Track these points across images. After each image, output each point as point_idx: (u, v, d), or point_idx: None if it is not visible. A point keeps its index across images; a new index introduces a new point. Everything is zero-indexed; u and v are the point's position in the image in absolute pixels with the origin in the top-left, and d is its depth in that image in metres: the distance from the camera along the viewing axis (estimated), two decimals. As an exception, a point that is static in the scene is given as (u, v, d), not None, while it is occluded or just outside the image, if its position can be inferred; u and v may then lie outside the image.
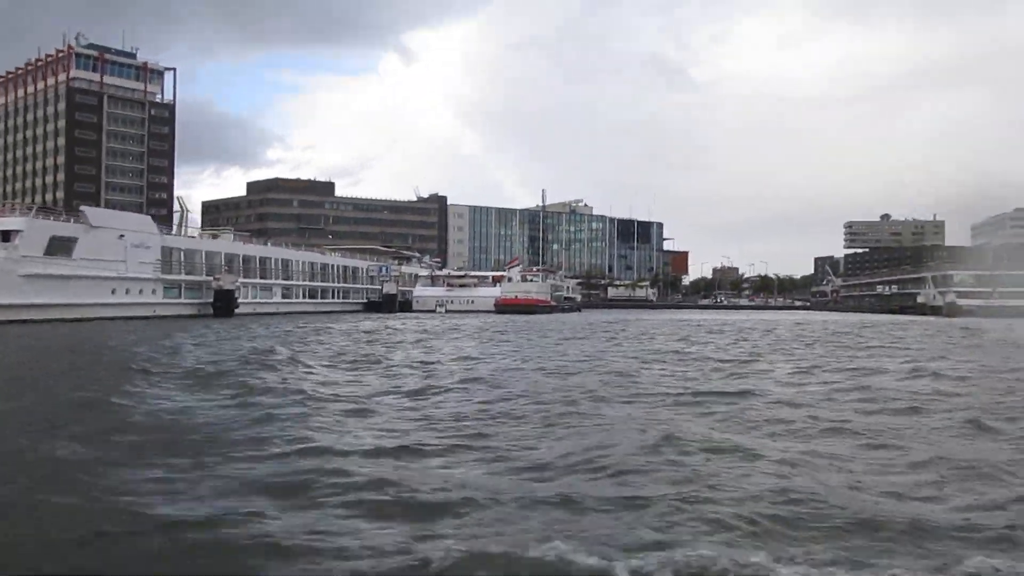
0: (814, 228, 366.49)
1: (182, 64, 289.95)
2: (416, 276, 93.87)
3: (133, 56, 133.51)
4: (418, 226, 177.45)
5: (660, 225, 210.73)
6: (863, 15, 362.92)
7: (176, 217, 69.12)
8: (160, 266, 54.31)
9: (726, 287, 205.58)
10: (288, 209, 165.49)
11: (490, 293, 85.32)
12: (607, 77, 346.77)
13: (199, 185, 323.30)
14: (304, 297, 74.94)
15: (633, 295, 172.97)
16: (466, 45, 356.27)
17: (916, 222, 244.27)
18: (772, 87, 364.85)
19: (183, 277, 57.14)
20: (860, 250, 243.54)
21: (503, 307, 79.65)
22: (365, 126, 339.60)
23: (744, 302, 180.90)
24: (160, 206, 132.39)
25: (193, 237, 65.21)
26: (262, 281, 67.64)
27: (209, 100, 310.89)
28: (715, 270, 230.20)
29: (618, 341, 33.53)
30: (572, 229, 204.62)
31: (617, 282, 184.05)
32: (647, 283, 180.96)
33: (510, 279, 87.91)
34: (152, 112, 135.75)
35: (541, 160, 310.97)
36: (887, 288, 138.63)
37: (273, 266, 69.73)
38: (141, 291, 52.38)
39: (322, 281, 78.89)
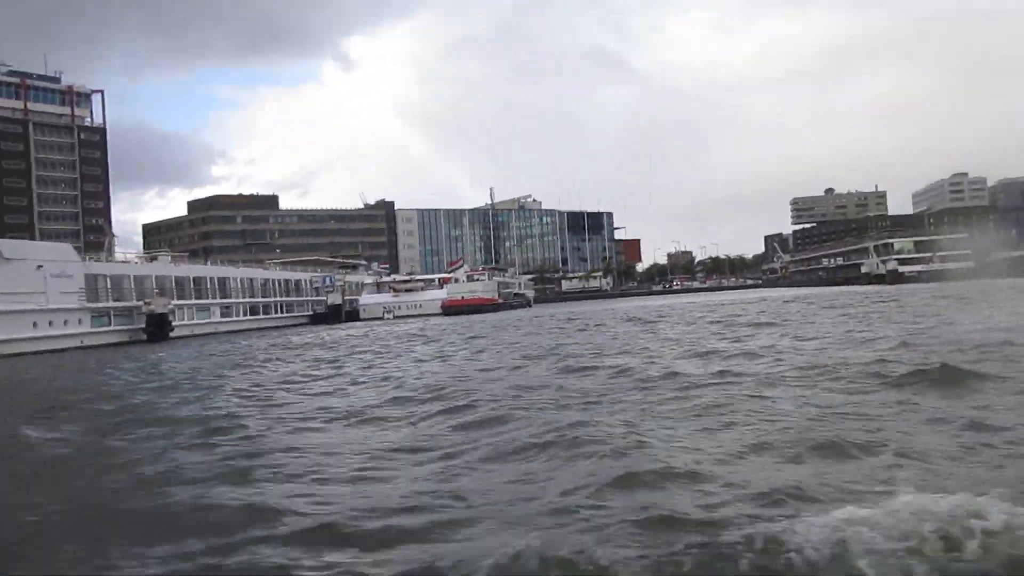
0: (763, 207, 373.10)
1: (113, 85, 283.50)
2: (362, 284, 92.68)
3: (57, 80, 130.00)
4: (366, 233, 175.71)
5: (610, 215, 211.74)
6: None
7: (107, 242, 67.08)
8: (85, 294, 52.52)
9: (679, 272, 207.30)
10: (232, 226, 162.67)
11: (437, 296, 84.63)
12: (549, 72, 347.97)
13: (144, 207, 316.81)
14: (245, 315, 73.36)
15: (587, 286, 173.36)
16: (404, 49, 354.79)
17: (859, 194, 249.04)
18: (711, 72, 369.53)
19: (111, 304, 55.38)
20: (807, 225, 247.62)
21: (450, 309, 79.03)
22: (309, 137, 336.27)
23: (697, 285, 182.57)
24: (98, 232, 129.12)
25: (123, 262, 63.29)
26: (198, 302, 66.00)
27: (146, 120, 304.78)
28: (669, 256, 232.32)
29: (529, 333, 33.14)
30: (523, 225, 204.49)
31: (570, 274, 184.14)
32: (600, 273, 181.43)
33: (457, 280, 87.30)
34: (82, 136, 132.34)
35: (490, 160, 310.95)
36: (832, 261, 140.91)
37: (209, 286, 68.12)
38: (66, 322, 50.60)
39: (263, 297, 77.39)
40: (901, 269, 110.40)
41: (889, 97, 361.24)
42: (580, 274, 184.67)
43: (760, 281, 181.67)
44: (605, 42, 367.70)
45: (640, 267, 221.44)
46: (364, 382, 17.44)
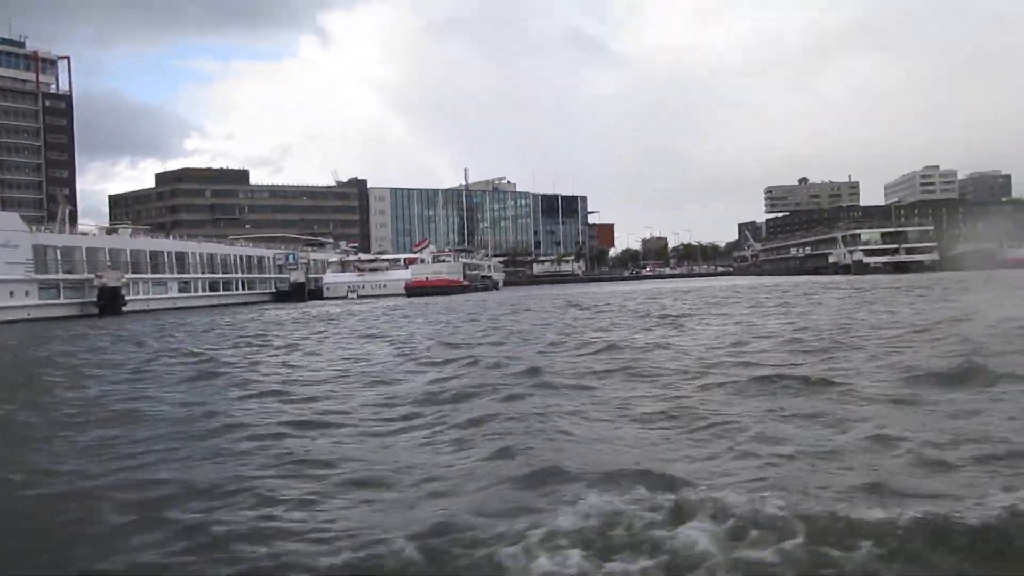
0: (739, 195, 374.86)
1: (85, 54, 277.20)
2: (327, 263, 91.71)
3: (22, 45, 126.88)
4: (338, 211, 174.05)
5: (584, 199, 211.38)
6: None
7: (60, 212, 65.53)
8: (33, 266, 51.35)
9: (651, 258, 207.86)
10: (201, 200, 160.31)
11: (402, 276, 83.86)
12: (529, 54, 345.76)
13: (115, 178, 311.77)
14: (204, 290, 72.30)
15: (558, 270, 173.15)
16: (384, 26, 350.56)
17: (832, 184, 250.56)
18: (691, 58, 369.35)
19: (61, 276, 54.24)
20: (781, 214, 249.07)
21: (413, 289, 78.34)
22: (286, 113, 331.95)
23: (668, 271, 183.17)
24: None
25: (78, 234, 61.98)
26: (154, 276, 64.89)
27: (119, 91, 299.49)
28: (644, 241, 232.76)
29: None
30: (497, 207, 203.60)
31: (542, 258, 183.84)
32: (571, 258, 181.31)
33: (424, 260, 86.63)
34: (47, 104, 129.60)
35: (468, 141, 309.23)
36: (801, 250, 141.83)
37: (167, 260, 66.96)
38: (12, 293, 49.46)
39: (223, 273, 76.28)
40: (867, 260, 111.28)
41: (864, 88, 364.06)
42: (552, 258, 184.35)
43: (731, 269, 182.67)
44: (586, 25, 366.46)
45: (613, 252, 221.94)
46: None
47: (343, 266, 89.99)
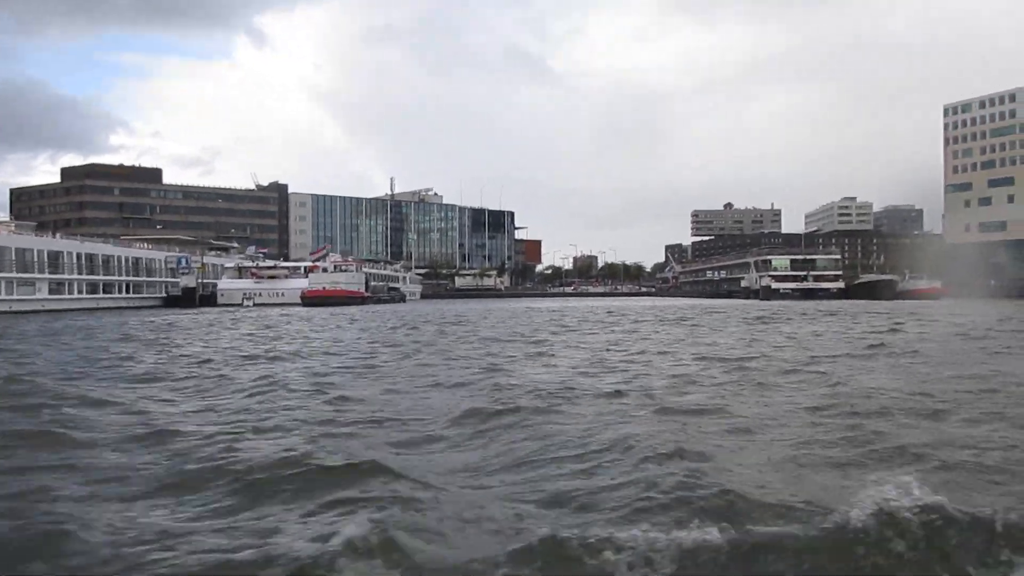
0: (668, 217, 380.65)
1: (4, 40, 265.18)
2: (223, 268, 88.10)
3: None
4: (256, 216, 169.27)
5: (511, 214, 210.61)
6: (705, 12, 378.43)
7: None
8: None
9: (580, 275, 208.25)
10: (109, 197, 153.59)
11: (300, 285, 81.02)
12: (466, 68, 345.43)
13: (35, 172, 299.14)
14: (81, 292, 68.26)
15: (480, 284, 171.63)
16: (321, 31, 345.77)
17: (756, 210, 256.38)
18: (627, 79, 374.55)
19: None
20: (706, 237, 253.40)
21: (310, 299, 75.57)
22: (218, 113, 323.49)
23: (592, 290, 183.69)
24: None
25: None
26: (20, 275, 60.80)
27: (41, 81, 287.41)
28: (575, 259, 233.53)
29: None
30: (422, 218, 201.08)
31: (463, 272, 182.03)
32: (494, 272, 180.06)
33: (326, 269, 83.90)
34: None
35: (401, 151, 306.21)
36: (716, 273, 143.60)
37: (36, 259, 62.89)
38: None
39: (105, 275, 72.26)
40: (775, 286, 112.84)
41: (790, 118, 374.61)
42: (474, 271, 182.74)
43: (654, 289, 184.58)
44: (525, 42, 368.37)
45: (540, 268, 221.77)
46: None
47: (240, 272, 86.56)
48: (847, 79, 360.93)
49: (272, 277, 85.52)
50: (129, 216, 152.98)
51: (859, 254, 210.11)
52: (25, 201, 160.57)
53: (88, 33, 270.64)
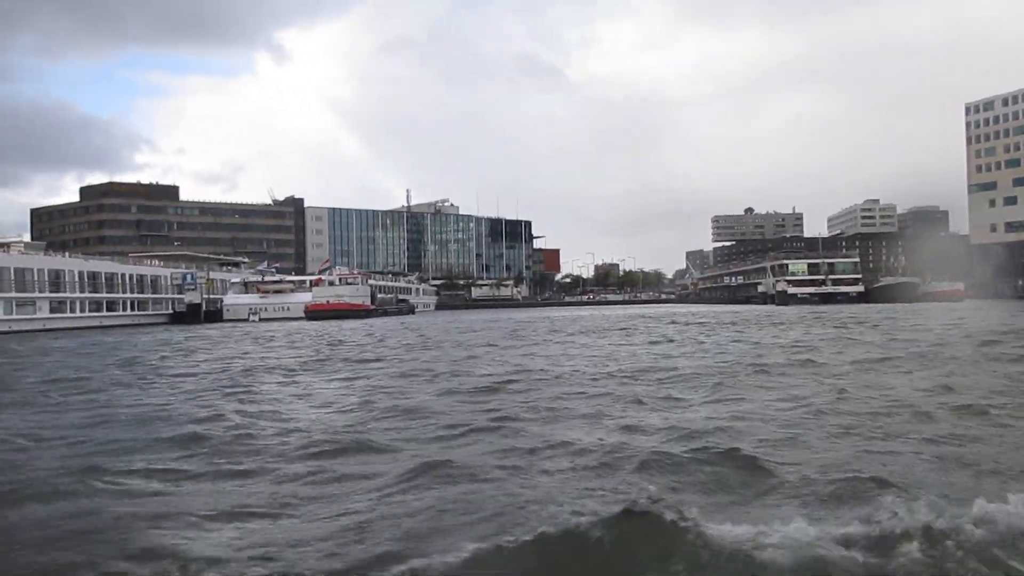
0: (690, 223, 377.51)
1: (30, 62, 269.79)
2: (230, 283, 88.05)
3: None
4: (273, 230, 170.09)
5: (528, 223, 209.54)
6: (719, 18, 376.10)
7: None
8: None
9: (590, 284, 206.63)
10: (127, 215, 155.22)
11: (306, 299, 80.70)
12: (481, 78, 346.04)
13: (61, 192, 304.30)
14: (84, 311, 68.35)
15: (497, 295, 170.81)
16: (339, 45, 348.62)
17: (777, 215, 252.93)
18: (642, 87, 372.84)
19: None
20: (727, 243, 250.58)
21: (314, 313, 75.25)
22: (240, 129, 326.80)
23: (610, 298, 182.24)
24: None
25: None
26: (19, 295, 60.91)
27: (66, 101, 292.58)
28: (596, 267, 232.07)
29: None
30: (439, 230, 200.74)
31: (480, 282, 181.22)
32: (511, 282, 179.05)
33: (332, 283, 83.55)
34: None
35: (419, 163, 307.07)
36: (733, 279, 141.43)
37: (36, 278, 63.00)
38: None
39: (108, 292, 72.33)
40: (792, 291, 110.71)
41: (809, 122, 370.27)
42: (491, 282, 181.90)
43: (673, 296, 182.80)
44: (538, 51, 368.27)
45: (559, 277, 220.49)
46: None
47: (246, 287, 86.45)
48: (866, 81, 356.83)
49: (278, 292, 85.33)
50: (147, 233, 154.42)
51: (883, 257, 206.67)
52: (46, 221, 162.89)
53: (111, 53, 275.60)
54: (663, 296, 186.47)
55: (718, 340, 26.96)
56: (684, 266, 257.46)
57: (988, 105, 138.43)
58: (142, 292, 77.95)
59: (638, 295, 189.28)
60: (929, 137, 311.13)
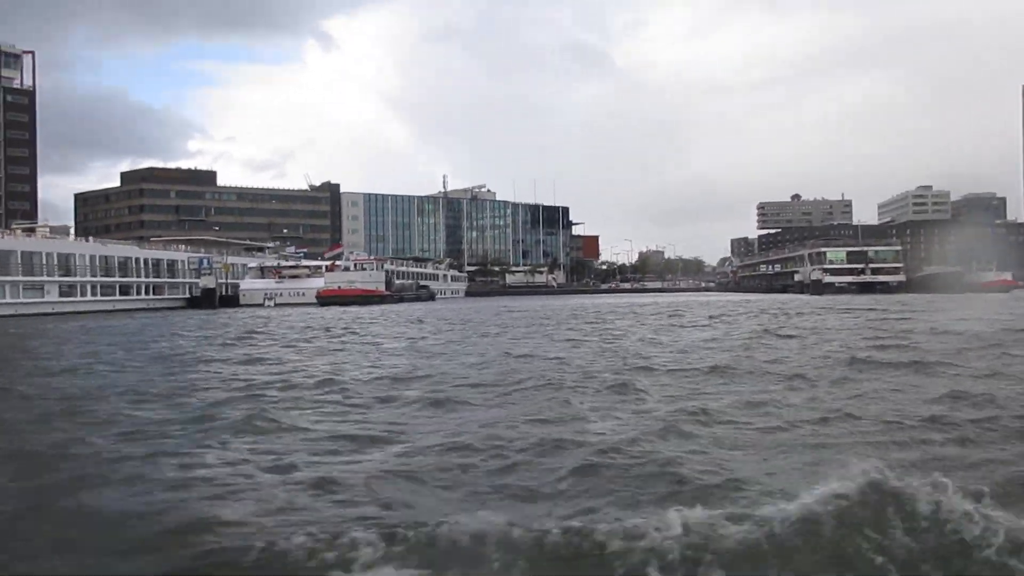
0: (735, 210, 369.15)
1: (85, 53, 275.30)
2: (247, 268, 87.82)
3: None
4: (309, 216, 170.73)
5: (566, 209, 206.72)
6: (770, 2, 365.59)
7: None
8: None
9: (628, 272, 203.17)
10: (165, 200, 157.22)
11: (320, 285, 80.00)
12: (527, 65, 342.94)
13: (116, 179, 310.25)
14: (96, 295, 68.60)
15: (531, 281, 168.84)
16: (385, 34, 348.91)
17: (825, 202, 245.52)
18: (689, 73, 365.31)
19: None
20: (773, 231, 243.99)
21: (326, 299, 74.37)
22: (289, 116, 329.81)
23: (649, 285, 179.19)
24: (22, 199, 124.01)
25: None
26: (26, 279, 61.21)
27: (121, 90, 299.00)
28: (640, 254, 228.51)
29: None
30: (480, 215, 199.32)
31: (514, 268, 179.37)
32: (545, 268, 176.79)
33: (347, 268, 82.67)
34: (8, 99, 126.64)
35: (464, 150, 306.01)
36: (770, 267, 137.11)
37: (45, 261, 63.27)
38: None
39: (122, 276, 72.56)
40: (829, 279, 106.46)
41: (859, 107, 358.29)
42: (526, 268, 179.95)
43: (713, 284, 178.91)
44: (584, 37, 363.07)
45: (598, 264, 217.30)
46: None
47: (262, 271, 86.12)
48: (920, 63, 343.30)
49: (294, 277, 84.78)
50: (185, 218, 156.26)
51: (936, 245, 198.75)
52: (91, 206, 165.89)
53: (164, 43, 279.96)
54: (703, 284, 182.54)
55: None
56: (728, 254, 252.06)
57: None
58: (158, 276, 78.12)
59: (677, 283, 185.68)
60: (986, 120, 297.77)
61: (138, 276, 74.91)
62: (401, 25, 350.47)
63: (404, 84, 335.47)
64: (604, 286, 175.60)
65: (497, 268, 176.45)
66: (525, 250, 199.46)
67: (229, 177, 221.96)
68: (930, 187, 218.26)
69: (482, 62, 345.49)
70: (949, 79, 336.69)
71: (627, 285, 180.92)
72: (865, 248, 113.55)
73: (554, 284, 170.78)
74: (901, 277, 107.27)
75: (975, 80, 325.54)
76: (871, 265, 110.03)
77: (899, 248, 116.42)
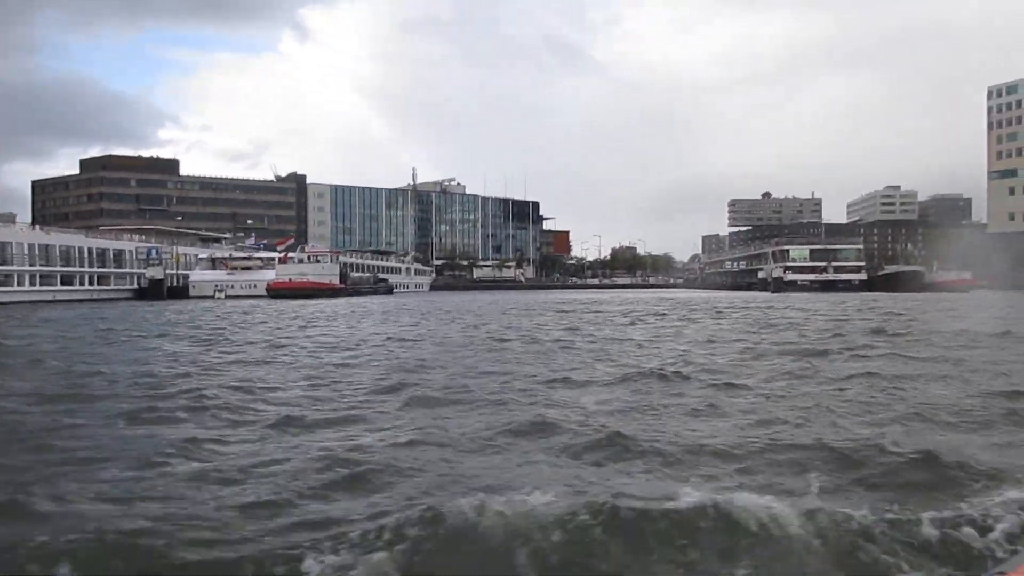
0: (709, 207, 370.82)
1: (55, 37, 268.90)
2: (197, 258, 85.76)
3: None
4: (274, 207, 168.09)
5: (536, 204, 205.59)
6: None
7: None
8: None
9: (598, 268, 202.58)
10: (125, 189, 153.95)
11: (272, 276, 78.29)
12: (507, 58, 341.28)
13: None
14: (34, 284, 66.51)
15: (499, 276, 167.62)
16: (363, 23, 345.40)
17: (795, 200, 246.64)
18: (668, 70, 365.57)
19: None
20: (743, 228, 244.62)
21: (276, 291, 72.75)
22: (265, 107, 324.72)
23: (620, 281, 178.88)
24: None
25: None
26: (-48, 267, 59.15)
27: (92, 77, 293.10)
28: (614, 250, 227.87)
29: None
30: (450, 209, 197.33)
31: (481, 263, 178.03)
32: (513, 263, 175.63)
33: (300, 260, 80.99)
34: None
35: (442, 143, 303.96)
36: (735, 264, 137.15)
37: (-29, 250, 61.22)
38: None
39: (64, 266, 70.42)
40: (791, 277, 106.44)
41: (838, 106, 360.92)
42: (493, 263, 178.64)
43: (681, 281, 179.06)
44: (564, 32, 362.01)
45: (568, 259, 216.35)
46: None
47: (213, 263, 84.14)
48: (892, 66, 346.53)
49: (246, 268, 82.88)
50: (146, 208, 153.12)
51: (903, 245, 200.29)
52: (48, 193, 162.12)
53: (137, 29, 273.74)
54: (672, 281, 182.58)
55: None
56: (700, 251, 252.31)
57: (1012, 88, 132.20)
58: (104, 266, 75.98)
59: (647, 279, 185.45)
60: (955, 122, 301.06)
61: (81, 266, 72.76)
62: (378, 16, 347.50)
63: (381, 75, 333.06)
64: (575, 282, 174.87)
65: (465, 262, 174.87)
66: (497, 245, 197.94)
67: (204, 167, 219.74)
68: (898, 187, 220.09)
69: (462, 54, 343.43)
70: (925, 80, 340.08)
71: (595, 281, 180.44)
72: (827, 246, 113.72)
73: (522, 279, 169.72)
74: (862, 276, 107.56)
75: (949, 81, 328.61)
76: (833, 264, 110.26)
77: (861, 247, 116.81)
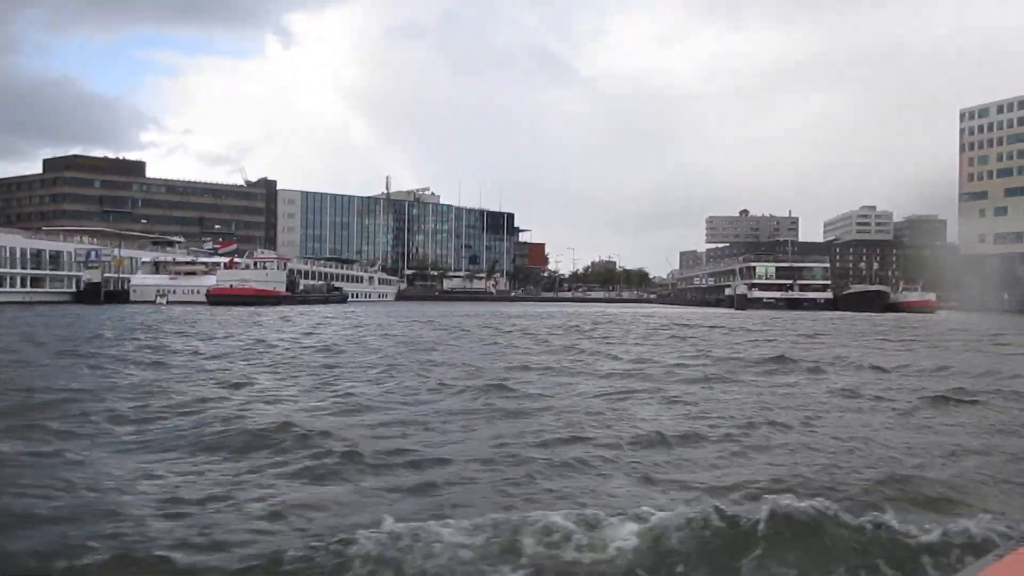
0: (686, 223, 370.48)
1: (36, 37, 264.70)
2: (140, 262, 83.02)
3: None
4: (243, 212, 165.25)
5: (511, 216, 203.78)
6: (732, 15, 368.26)
7: None
8: None
9: (573, 281, 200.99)
10: (89, 190, 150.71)
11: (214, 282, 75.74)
12: (491, 67, 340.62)
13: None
14: (-44, 286, 63.87)
15: (470, 287, 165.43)
16: (348, 29, 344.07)
17: (773, 218, 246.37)
18: (651, 82, 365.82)
19: None
20: (721, 244, 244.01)
21: (215, 298, 70.27)
22: (248, 111, 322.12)
23: (593, 295, 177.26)
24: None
25: None
26: None
27: (72, 78, 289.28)
28: (594, 263, 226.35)
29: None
30: (424, 219, 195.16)
31: (452, 273, 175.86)
32: (483, 274, 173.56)
33: (246, 266, 78.45)
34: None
35: (424, 151, 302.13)
36: (704, 281, 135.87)
37: None
38: None
39: (-8, 267, 67.79)
40: (756, 294, 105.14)
41: (819, 124, 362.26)
42: (464, 273, 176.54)
43: (654, 296, 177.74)
44: (548, 42, 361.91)
45: (543, 271, 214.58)
46: None
47: (156, 267, 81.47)
48: (871, 85, 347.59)
49: (190, 273, 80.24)
50: (110, 210, 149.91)
51: (878, 264, 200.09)
52: (12, 192, 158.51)
53: (120, 31, 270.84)
54: (645, 296, 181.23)
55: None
56: (678, 267, 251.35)
57: (983, 111, 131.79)
58: (38, 268, 73.29)
59: (621, 293, 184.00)
60: (931, 143, 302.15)
61: (13, 267, 70.04)
62: (364, 22, 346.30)
63: (364, 81, 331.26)
64: (547, 295, 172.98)
65: (435, 272, 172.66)
66: (472, 256, 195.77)
67: (184, 171, 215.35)
68: (874, 207, 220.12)
69: (448, 63, 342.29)
70: (903, 100, 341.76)
71: (568, 294, 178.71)
72: (794, 264, 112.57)
73: (493, 291, 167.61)
74: (828, 294, 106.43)
75: (927, 102, 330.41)
76: (799, 281, 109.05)
77: (827, 266, 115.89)
